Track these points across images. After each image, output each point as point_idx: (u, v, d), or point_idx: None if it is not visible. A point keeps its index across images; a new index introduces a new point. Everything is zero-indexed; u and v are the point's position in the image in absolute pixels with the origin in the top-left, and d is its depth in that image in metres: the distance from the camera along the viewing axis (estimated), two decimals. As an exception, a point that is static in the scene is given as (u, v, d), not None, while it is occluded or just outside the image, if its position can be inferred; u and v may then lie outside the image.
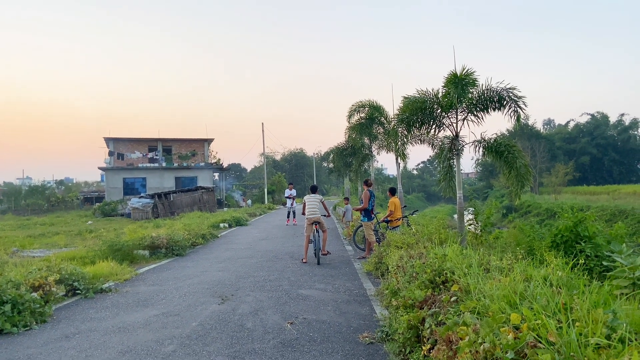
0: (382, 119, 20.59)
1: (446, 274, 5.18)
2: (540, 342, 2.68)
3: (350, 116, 21.92)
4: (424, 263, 5.84)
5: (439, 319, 4.16)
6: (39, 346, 5.20)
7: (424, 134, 12.90)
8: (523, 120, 11.87)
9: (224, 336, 5.40)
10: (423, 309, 4.82)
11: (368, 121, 21.02)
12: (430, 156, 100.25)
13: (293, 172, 78.35)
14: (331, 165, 33.17)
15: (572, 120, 76.27)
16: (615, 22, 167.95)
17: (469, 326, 3.33)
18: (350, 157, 25.66)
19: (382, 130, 21.14)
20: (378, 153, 23.34)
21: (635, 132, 69.66)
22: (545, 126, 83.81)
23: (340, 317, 6.17)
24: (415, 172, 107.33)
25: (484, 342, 2.95)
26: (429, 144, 13.94)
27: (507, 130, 61.21)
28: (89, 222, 29.99)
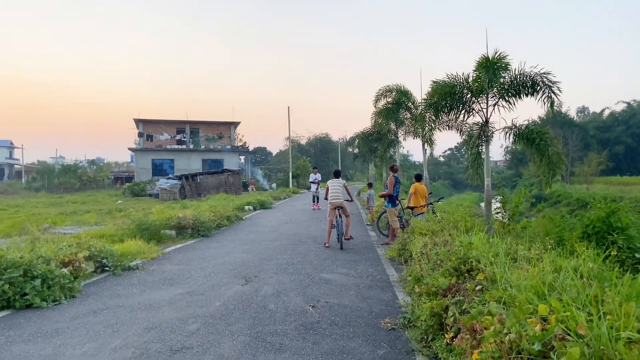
0: (410, 104, 20.27)
1: (471, 262, 5.09)
2: (568, 335, 2.60)
3: (377, 101, 21.66)
4: (448, 251, 5.75)
5: (463, 307, 4.09)
6: (67, 320, 5.36)
7: (452, 120, 12.65)
8: (556, 108, 11.50)
9: (247, 317, 5.46)
10: (447, 296, 4.75)
11: (395, 106, 20.73)
12: (457, 143, 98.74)
13: (318, 157, 78.33)
14: (356, 150, 32.97)
15: (607, 108, 73.71)
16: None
17: (494, 316, 3.25)
18: (376, 142, 25.42)
19: (409, 115, 20.84)
20: (404, 139, 23.07)
21: (673, 121, 66.89)
22: (579, 114, 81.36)
23: (362, 302, 6.16)
24: (442, 159, 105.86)
25: (510, 333, 2.88)
26: (457, 130, 13.67)
27: (539, 117, 59.68)
28: (119, 201, 30.72)
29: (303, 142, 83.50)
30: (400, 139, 23.16)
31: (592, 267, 4.15)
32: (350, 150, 53.12)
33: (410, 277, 6.61)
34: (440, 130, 14.25)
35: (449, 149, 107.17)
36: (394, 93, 20.66)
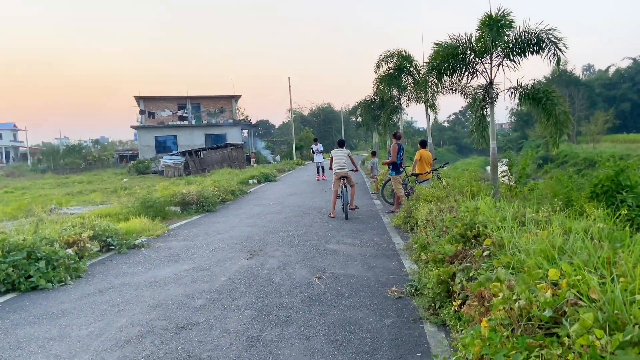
0: (412, 68, 19.81)
1: (478, 227, 4.99)
2: (580, 300, 2.49)
3: (378, 67, 21.15)
4: (454, 217, 5.65)
5: (471, 274, 4.00)
6: (72, 301, 5.35)
7: (455, 83, 12.32)
8: (562, 66, 11.19)
9: (253, 290, 5.42)
10: (453, 263, 4.68)
11: (397, 72, 20.26)
12: (462, 107, 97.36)
13: (321, 127, 77.82)
14: (359, 119, 32.60)
15: (613, 65, 72.30)
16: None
17: (503, 282, 3.16)
18: (379, 110, 25.04)
19: (411, 80, 20.40)
20: (407, 105, 22.70)
21: (681, 75, 65.55)
22: (585, 72, 79.90)
23: (369, 271, 6.11)
24: (446, 124, 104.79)
25: (520, 299, 2.79)
26: (461, 93, 13.34)
27: (544, 77, 58.60)
28: (124, 179, 30.78)
29: (306, 113, 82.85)
30: (403, 105, 22.79)
31: (603, 227, 4.03)
32: (354, 119, 52.72)
33: (417, 244, 6.54)
34: (444, 94, 13.92)
35: (454, 114, 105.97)
36: (395, 58, 20.15)
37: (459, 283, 4.14)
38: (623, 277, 2.59)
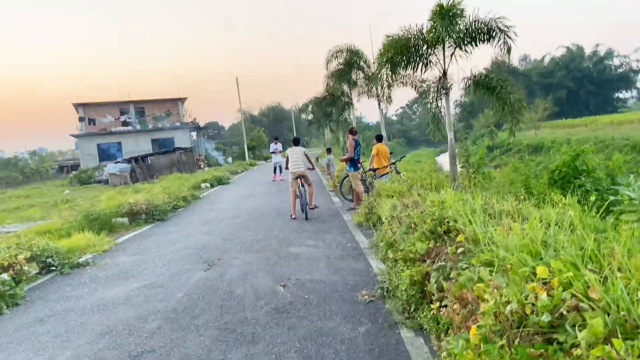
0: (362, 63, 19.75)
1: (448, 222, 4.78)
2: (580, 302, 2.27)
3: (328, 63, 21.00)
4: (422, 212, 5.43)
5: (449, 275, 3.76)
6: (9, 334, 4.72)
7: (409, 75, 12.24)
8: (501, 57, 11.39)
9: (213, 306, 5.00)
10: (426, 262, 4.44)
11: (347, 67, 20.15)
12: (409, 101, 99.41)
13: (272, 127, 76.90)
14: (310, 116, 32.37)
15: (548, 54, 75.63)
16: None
17: (487, 283, 2.93)
18: (330, 106, 24.94)
19: (362, 75, 20.35)
20: (358, 100, 22.68)
21: (610, 62, 69.49)
22: (522, 62, 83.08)
23: (335, 274, 5.82)
24: (394, 117, 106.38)
25: (511, 302, 2.55)
26: (412, 86, 13.32)
27: (485, 69, 60.49)
28: (67, 191, 29.03)
29: (255, 112, 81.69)
30: (354, 100, 22.75)
31: (573, 215, 3.90)
32: (305, 116, 52.40)
33: (382, 242, 6.30)
34: (398, 87, 13.89)
35: (401, 107, 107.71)
36: (344, 53, 20.03)
37: (435, 283, 3.91)
38: (620, 272, 2.40)
